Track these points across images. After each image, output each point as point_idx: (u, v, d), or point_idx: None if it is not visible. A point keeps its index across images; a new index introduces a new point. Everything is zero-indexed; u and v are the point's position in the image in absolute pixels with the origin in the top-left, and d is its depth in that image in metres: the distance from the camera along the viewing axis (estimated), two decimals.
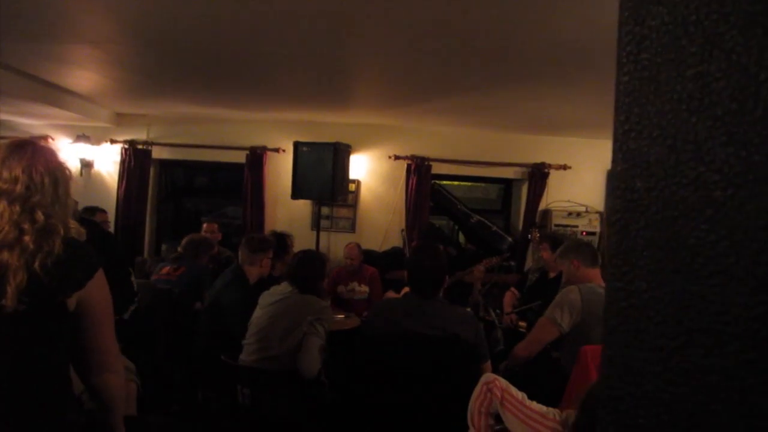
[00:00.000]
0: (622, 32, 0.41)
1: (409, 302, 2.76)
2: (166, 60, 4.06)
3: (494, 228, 6.34)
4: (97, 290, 1.43)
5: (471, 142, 6.26)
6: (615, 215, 0.39)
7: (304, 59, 3.83)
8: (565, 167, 6.25)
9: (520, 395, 1.87)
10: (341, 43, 3.46)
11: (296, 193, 5.32)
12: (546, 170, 6.22)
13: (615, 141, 0.41)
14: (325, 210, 5.97)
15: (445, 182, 6.66)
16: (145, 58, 4.07)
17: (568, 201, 6.14)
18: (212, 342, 3.28)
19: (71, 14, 3.23)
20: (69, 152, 6.22)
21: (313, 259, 3.24)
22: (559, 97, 4.46)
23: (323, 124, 6.10)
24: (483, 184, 7.26)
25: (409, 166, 6.18)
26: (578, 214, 6.08)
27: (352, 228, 6.28)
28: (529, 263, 6.04)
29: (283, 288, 3.07)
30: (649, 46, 0.39)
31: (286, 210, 6.21)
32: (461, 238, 7.05)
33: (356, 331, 3.85)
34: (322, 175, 5.15)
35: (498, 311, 4.40)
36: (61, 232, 1.36)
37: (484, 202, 7.44)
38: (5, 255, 1.27)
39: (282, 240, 4.42)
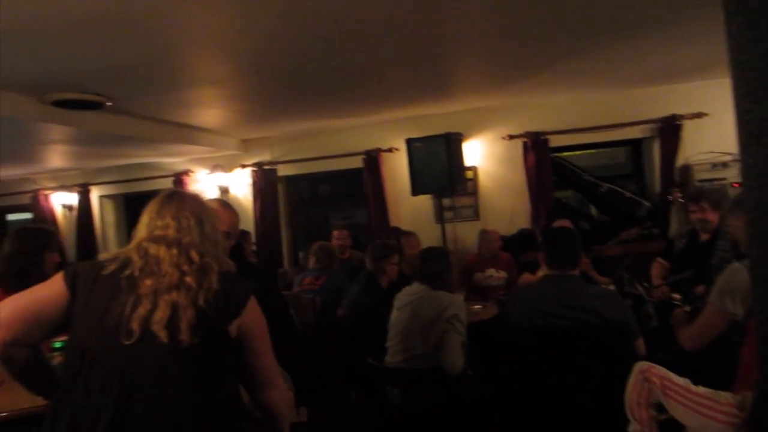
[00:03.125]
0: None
1: (547, 285, 2.72)
2: (279, 85, 4.32)
3: (628, 194, 5.93)
4: (252, 315, 1.57)
5: (588, 107, 5.90)
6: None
7: (405, 57, 3.87)
8: (700, 115, 5.67)
9: (682, 381, 1.74)
10: (438, 34, 3.46)
11: (416, 189, 5.37)
12: (678, 122, 5.69)
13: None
14: (446, 201, 5.97)
15: (566, 154, 6.35)
16: (260, 88, 4.37)
17: (710, 152, 5.57)
18: (357, 345, 3.43)
19: (190, 62, 3.55)
20: (208, 182, 6.82)
21: (437, 254, 3.26)
22: (681, 40, 4.05)
23: (433, 117, 6.09)
24: (609, 149, 6.82)
25: (525, 143, 5.98)
26: (724, 165, 5.45)
27: (476, 215, 6.21)
28: (673, 228, 5.58)
29: (414, 288, 3.13)
30: None
31: (408, 206, 6.29)
32: (593, 210, 6.70)
33: (496, 320, 3.84)
34: (438, 167, 5.15)
35: (646, 284, 4.11)
36: (216, 267, 1.52)
37: (612, 168, 6.99)
38: (174, 295, 1.43)
39: (397, 240, 4.50)
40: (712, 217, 3.71)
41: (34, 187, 7.75)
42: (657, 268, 4.22)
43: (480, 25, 3.34)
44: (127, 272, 1.47)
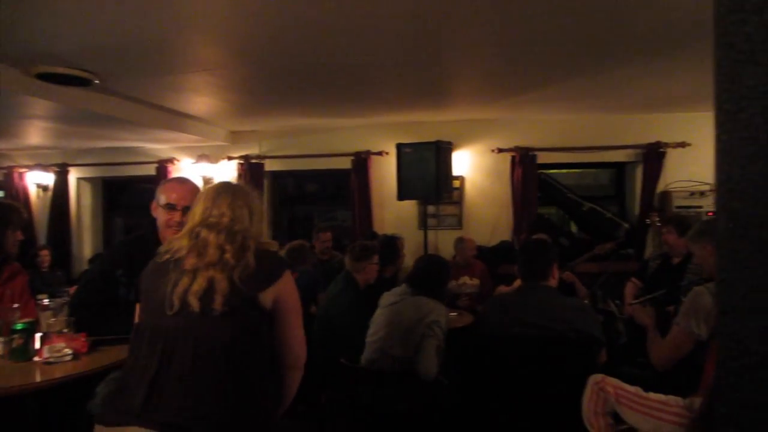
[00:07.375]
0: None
1: (523, 295, 2.79)
2: (273, 78, 4.30)
3: (608, 215, 6.05)
4: (287, 288, 1.70)
5: (578, 128, 6.00)
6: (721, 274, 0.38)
7: (402, 63, 3.88)
8: (683, 145, 5.81)
9: (633, 389, 1.82)
10: (438, 43, 3.47)
11: (402, 194, 5.39)
12: (662, 150, 5.82)
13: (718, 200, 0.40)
14: (431, 208, 6.00)
15: (552, 171, 6.44)
16: (253, 79, 4.34)
17: (689, 180, 5.70)
18: (330, 345, 3.42)
19: (183, 46, 3.52)
20: (192, 171, 6.75)
21: (440, 264, 3.29)
22: (673, 72, 4.17)
23: (424, 124, 6.13)
24: (593, 170, 6.93)
25: (513, 158, 6.04)
26: (702, 194, 5.60)
27: (459, 224, 6.25)
28: (649, 250, 5.69)
29: (402, 289, 3.15)
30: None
31: (393, 211, 6.31)
32: (573, 227, 6.79)
33: (470, 328, 3.86)
34: (426, 174, 5.18)
35: (618, 302, 4.20)
36: (253, 247, 1.65)
37: (595, 188, 7.10)
38: (212, 271, 1.58)
39: (392, 243, 4.51)
40: (676, 242, 3.92)
41: (8, 163, 7.51)
42: (631, 288, 4.31)
43: (480, 39, 3.37)
44: (176, 256, 1.64)
